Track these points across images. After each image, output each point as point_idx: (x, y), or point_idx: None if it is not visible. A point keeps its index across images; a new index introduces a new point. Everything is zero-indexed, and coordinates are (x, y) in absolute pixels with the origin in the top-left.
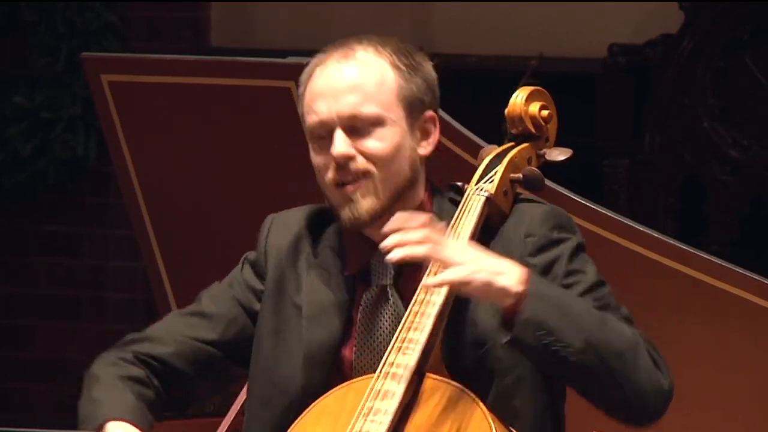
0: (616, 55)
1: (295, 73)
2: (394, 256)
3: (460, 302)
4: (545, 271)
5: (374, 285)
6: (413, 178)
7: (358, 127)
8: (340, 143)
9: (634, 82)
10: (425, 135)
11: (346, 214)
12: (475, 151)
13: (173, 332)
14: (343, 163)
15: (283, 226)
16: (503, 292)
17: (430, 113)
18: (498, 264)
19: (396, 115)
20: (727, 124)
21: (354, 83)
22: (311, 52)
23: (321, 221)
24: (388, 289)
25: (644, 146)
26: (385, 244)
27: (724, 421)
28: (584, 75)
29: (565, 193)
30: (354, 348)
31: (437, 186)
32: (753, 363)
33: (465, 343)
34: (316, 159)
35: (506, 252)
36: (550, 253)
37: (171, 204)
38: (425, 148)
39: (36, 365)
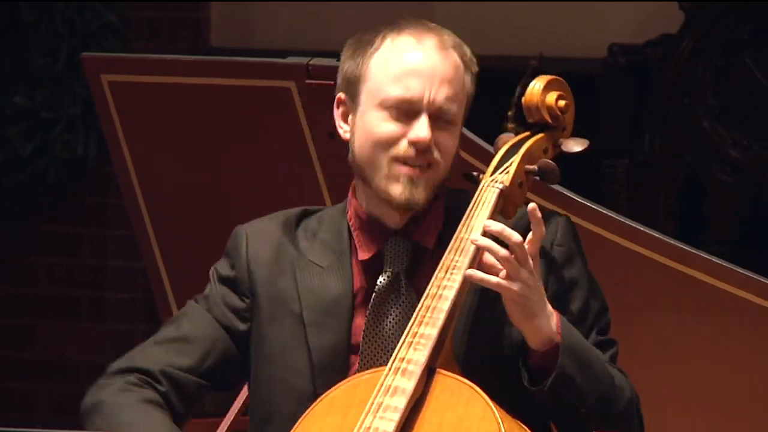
0: (616, 55)
1: (296, 73)
2: (480, 242)
3: (483, 300)
4: (567, 290)
5: (388, 270)
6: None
7: (440, 119)
8: (426, 128)
9: (634, 82)
10: None
11: (398, 191)
12: (475, 151)
13: (157, 361)
14: (423, 148)
15: (260, 238)
16: (539, 331)
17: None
18: (544, 300)
19: (462, 118)
20: (727, 124)
21: (451, 76)
22: (311, 53)
23: (297, 223)
24: (402, 277)
25: (644, 146)
26: (480, 242)
27: (723, 421)
28: (584, 75)
29: (565, 192)
30: (362, 335)
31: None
32: (753, 363)
33: (483, 342)
34: (383, 127)
35: None
36: (573, 267)
37: (171, 204)
38: None
39: (36, 365)
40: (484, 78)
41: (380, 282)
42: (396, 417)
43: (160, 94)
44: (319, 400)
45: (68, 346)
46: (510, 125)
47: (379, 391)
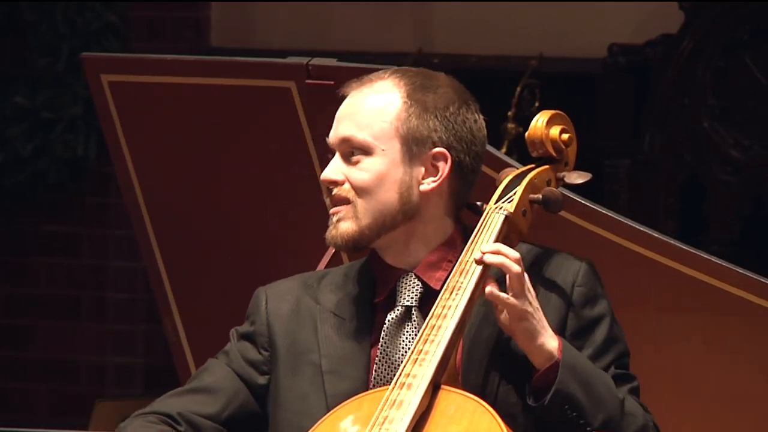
0: (616, 55)
1: (296, 73)
2: (488, 259)
3: (487, 320)
4: (588, 327)
5: (399, 305)
6: (407, 212)
7: (349, 153)
8: (329, 168)
9: (634, 82)
10: (432, 171)
11: (327, 234)
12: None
13: (177, 406)
14: (327, 187)
15: (280, 295)
16: (541, 349)
17: (437, 150)
18: (545, 320)
19: (387, 146)
20: (727, 124)
21: (353, 111)
22: (311, 53)
23: (320, 280)
24: (413, 311)
25: (644, 146)
26: (485, 248)
27: (723, 420)
28: (584, 75)
29: (565, 192)
30: (374, 366)
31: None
32: (753, 363)
33: (488, 362)
34: None
35: (545, 294)
36: (594, 308)
37: (171, 203)
38: (428, 184)
39: (36, 365)
40: (484, 78)
41: (390, 317)
42: (401, 429)
43: (161, 94)
44: (323, 418)
45: (68, 346)
46: (510, 125)
47: (384, 405)
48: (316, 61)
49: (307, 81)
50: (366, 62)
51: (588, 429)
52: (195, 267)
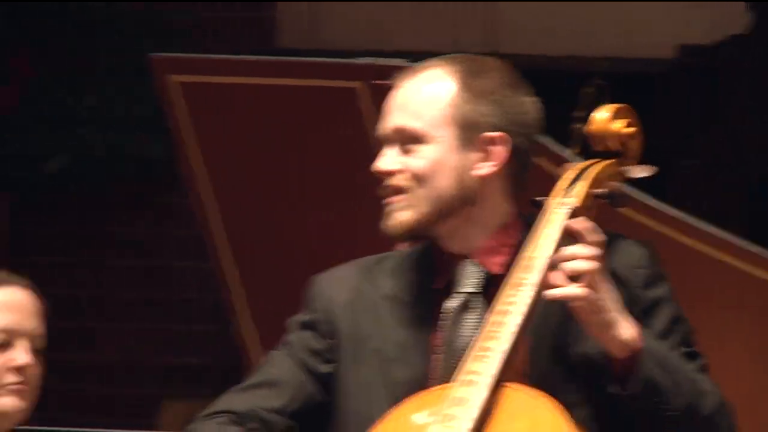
0: (685, 56)
1: (364, 73)
2: (552, 293)
3: (551, 316)
4: (652, 307)
5: (459, 292)
6: (465, 198)
7: (404, 143)
8: (384, 158)
9: (704, 83)
10: (487, 155)
11: (383, 225)
12: (544, 154)
13: (244, 404)
14: (381, 178)
15: (338, 283)
16: (619, 339)
17: (491, 134)
18: (622, 306)
19: (442, 133)
20: None
21: (405, 100)
22: (378, 53)
23: (377, 264)
24: (474, 297)
25: (712, 146)
26: (550, 292)
27: None
28: (653, 75)
29: (629, 189)
30: (437, 354)
31: (524, 212)
32: None
33: (556, 358)
34: None
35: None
36: (657, 289)
37: (243, 203)
38: (482, 169)
39: (96, 367)
40: (553, 78)
41: (450, 305)
42: (464, 427)
43: (228, 95)
44: (386, 416)
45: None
46: (578, 126)
47: (447, 403)
48: (384, 61)
49: (375, 81)
50: None
51: (668, 414)
52: (268, 266)
